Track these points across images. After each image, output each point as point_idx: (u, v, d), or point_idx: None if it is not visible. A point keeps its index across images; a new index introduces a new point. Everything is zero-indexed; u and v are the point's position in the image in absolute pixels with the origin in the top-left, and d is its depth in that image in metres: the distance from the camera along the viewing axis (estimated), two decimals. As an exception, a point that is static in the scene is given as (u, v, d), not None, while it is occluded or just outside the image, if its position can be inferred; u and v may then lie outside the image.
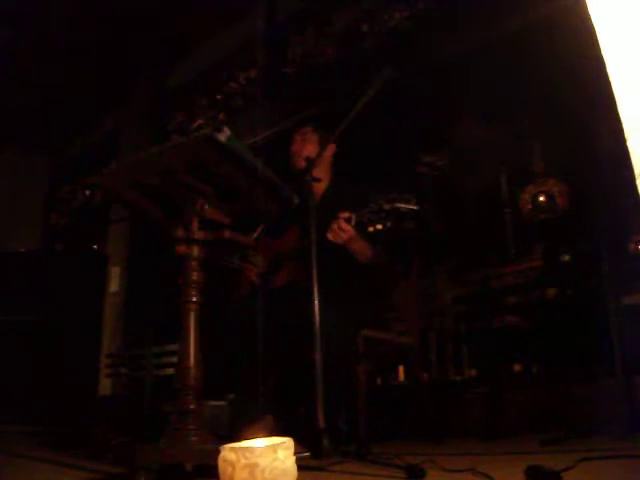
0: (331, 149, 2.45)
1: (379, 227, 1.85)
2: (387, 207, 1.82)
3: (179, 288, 1.52)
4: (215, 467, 1.02)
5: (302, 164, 2.19)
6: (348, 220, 1.95)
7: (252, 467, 0.97)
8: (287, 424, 1.96)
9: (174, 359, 2.99)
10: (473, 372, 2.88)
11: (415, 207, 1.81)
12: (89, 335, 4.44)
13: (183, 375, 1.46)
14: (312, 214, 1.89)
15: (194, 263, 1.52)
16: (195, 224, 1.53)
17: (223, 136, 1.40)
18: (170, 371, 3.15)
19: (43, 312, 4.21)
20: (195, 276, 1.51)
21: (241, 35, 4.54)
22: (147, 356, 3.43)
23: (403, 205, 1.80)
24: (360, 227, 1.93)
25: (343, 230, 1.97)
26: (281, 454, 0.99)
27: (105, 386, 4.38)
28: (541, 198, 2.88)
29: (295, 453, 1.03)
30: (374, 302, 2.32)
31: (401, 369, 3.04)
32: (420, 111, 3.30)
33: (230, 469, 0.98)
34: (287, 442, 1.02)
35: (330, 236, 2.00)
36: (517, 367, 2.74)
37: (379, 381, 3.10)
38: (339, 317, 1.98)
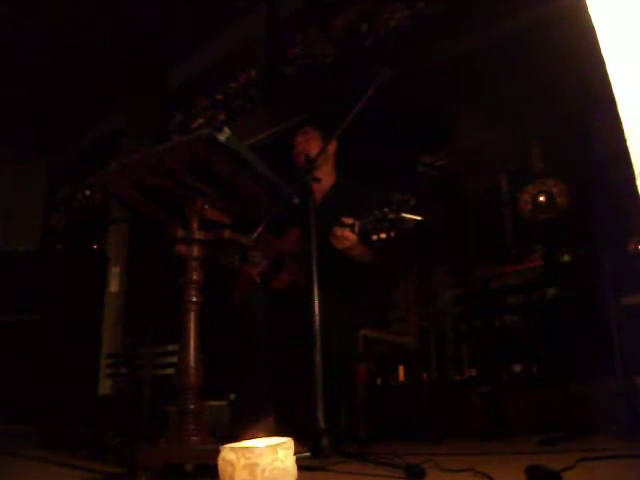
0: (333, 146, 2.46)
1: (383, 236, 1.84)
2: (392, 216, 1.82)
3: (179, 288, 1.52)
4: (215, 467, 1.02)
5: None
6: (351, 227, 1.94)
7: (252, 467, 0.97)
8: (287, 424, 1.96)
9: (174, 359, 2.99)
10: (473, 372, 2.88)
11: (420, 218, 1.79)
12: (89, 335, 4.44)
13: (183, 375, 1.46)
14: (312, 215, 1.88)
15: (194, 263, 1.52)
16: (195, 224, 1.53)
17: (223, 136, 1.40)
18: (170, 371, 3.15)
19: (43, 312, 4.21)
20: (195, 276, 1.51)
21: (241, 35, 4.54)
22: (147, 356, 3.43)
23: (408, 216, 1.79)
24: (363, 235, 1.92)
25: (346, 237, 1.97)
26: (281, 454, 0.99)
27: (105, 386, 4.38)
28: (541, 198, 2.88)
29: (295, 453, 1.03)
30: (374, 302, 2.32)
31: (401, 369, 3.04)
32: (420, 111, 3.30)
33: (230, 469, 0.98)
34: (287, 442, 1.02)
35: (332, 241, 2.00)
36: (517, 367, 2.73)
37: (379, 381, 3.10)
38: (339, 317, 1.98)
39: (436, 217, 3.05)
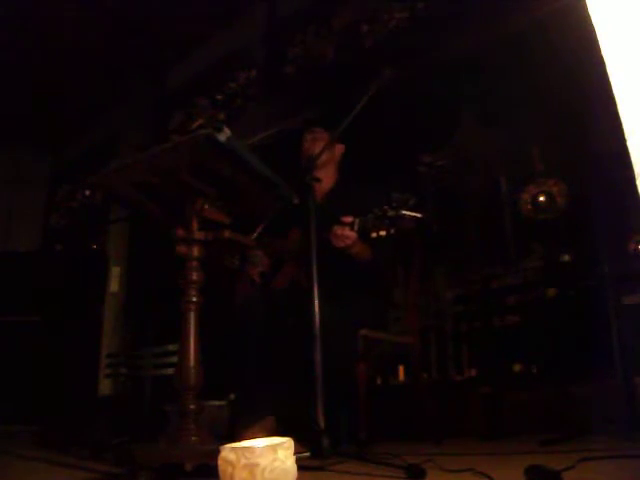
0: (340, 149, 2.47)
1: (382, 233, 1.84)
2: (391, 214, 1.81)
3: (179, 288, 1.52)
4: (215, 467, 1.02)
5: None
6: (351, 225, 1.94)
7: (252, 467, 0.97)
8: (287, 424, 1.96)
9: (174, 359, 2.99)
10: (473, 372, 2.88)
11: (420, 215, 1.79)
12: (89, 335, 4.44)
13: (183, 375, 1.46)
14: (312, 214, 1.88)
15: (194, 263, 1.52)
16: (195, 224, 1.53)
17: (223, 136, 1.40)
18: (170, 371, 3.15)
19: (43, 312, 4.21)
20: (195, 276, 1.52)
21: (241, 35, 4.54)
22: (147, 356, 3.43)
23: (408, 213, 1.79)
24: (363, 233, 1.92)
25: (346, 236, 1.97)
26: (281, 454, 0.99)
27: (105, 386, 4.38)
28: (541, 198, 2.88)
29: (295, 453, 1.03)
30: (374, 302, 2.32)
31: (401, 369, 3.04)
32: (420, 111, 3.30)
33: (230, 469, 0.99)
34: (287, 442, 1.02)
35: (332, 240, 2.00)
36: (517, 367, 2.74)
37: (379, 381, 3.10)
38: (339, 317, 1.98)
39: (436, 217, 3.05)
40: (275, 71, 4.25)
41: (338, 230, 1.98)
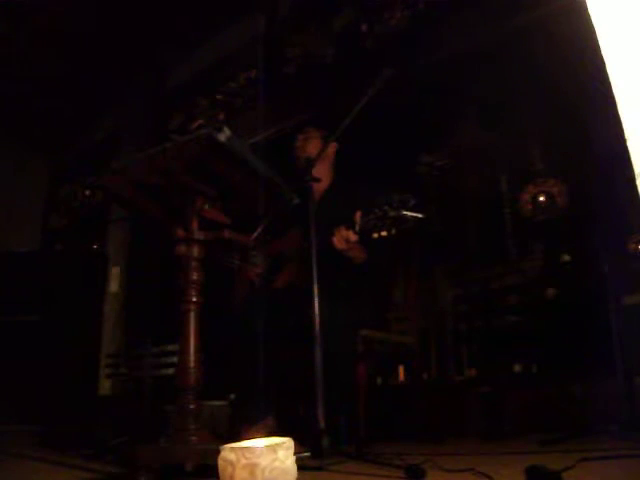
0: (333, 147, 2.47)
1: (384, 234, 1.83)
2: (393, 214, 1.81)
3: (179, 288, 1.52)
4: (215, 467, 1.02)
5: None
6: (352, 226, 1.94)
7: (252, 467, 0.97)
8: (287, 424, 1.96)
9: (174, 359, 2.99)
10: (473, 372, 2.88)
11: (421, 215, 1.79)
12: (89, 335, 4.44)
13: (183, 375, 1.46)
14: (312, 215, 1.88)
15: (194, 263, 1.52)
16: (195, 224, 1.53)
17: (223, 136, 1.40)
18: (170, 371, 3.15)
19: (43, 312, 4.20)
20: (195, 276, 1.52)
21: (241, 35, 4.54)
22: (147, 356, 3.43)
23: (409, 213, 1.79)
24: (364, 233, 1.91)
25: (349, 239, 1.96)
26: (281, 454, 0.99)
27: (105, 386, 4.38)
28: (541, 198, 2.88)
29: (295, 453, 1.03)
30: (374, 302, 2.32)
31: (401, 369, 3.04)
32: (420, 111, 3.30)
33: (230, 469, 0.98)
34: (287, 442, 1.02)
35: (335, 242, 1.99)
36: (517, 367, 2.74)
37: (379, 381, 3.10)
38: (339, 317, 1.98)
39: (436, 217, 3.05)
40: (275, 71, 4.24)
41: (343, 231, 1.97)
